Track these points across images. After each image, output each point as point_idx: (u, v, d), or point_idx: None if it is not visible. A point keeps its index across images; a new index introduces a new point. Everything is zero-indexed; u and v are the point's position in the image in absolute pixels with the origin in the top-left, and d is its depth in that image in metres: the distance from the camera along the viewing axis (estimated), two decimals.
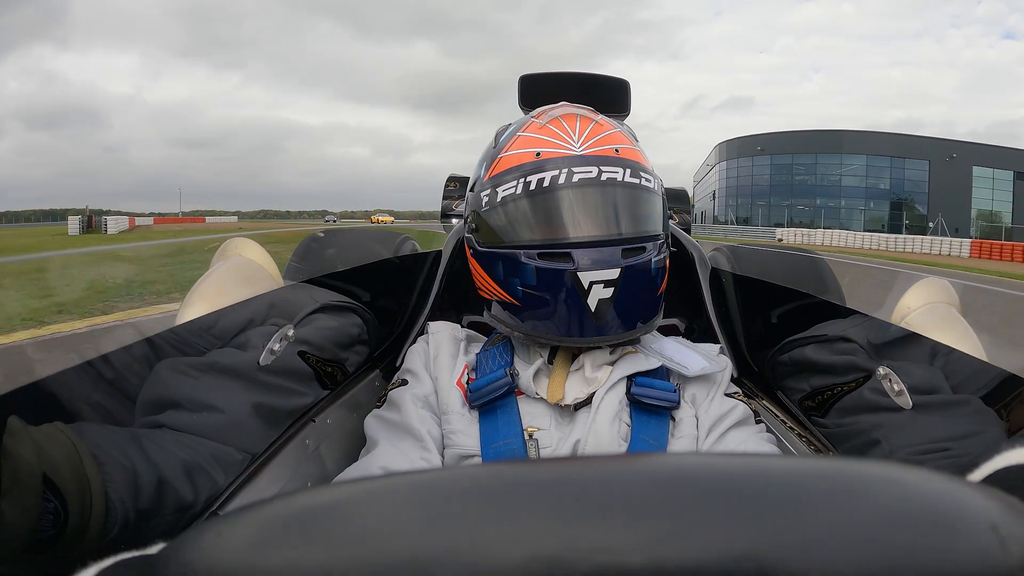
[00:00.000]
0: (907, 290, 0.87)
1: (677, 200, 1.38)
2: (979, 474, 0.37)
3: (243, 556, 0.17)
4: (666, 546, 0.16)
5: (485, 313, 0.85)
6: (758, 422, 0.79)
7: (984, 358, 0.61)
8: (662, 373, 0.80)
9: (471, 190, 0.84)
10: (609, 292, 0.71)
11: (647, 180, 0.75)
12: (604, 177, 0.72)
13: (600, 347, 0.77)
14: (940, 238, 25.83)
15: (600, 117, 0.80)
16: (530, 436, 0.73)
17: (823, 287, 1.08)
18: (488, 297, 0.82)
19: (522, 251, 0.73)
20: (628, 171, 0.73)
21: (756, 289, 0.99)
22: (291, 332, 0.71)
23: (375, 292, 0.98)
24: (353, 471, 0.73)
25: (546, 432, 0.74)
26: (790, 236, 29.20)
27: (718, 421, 0.75)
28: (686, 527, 0.17)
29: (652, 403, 0.74)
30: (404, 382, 0.81)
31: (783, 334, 0.87)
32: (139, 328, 0.53)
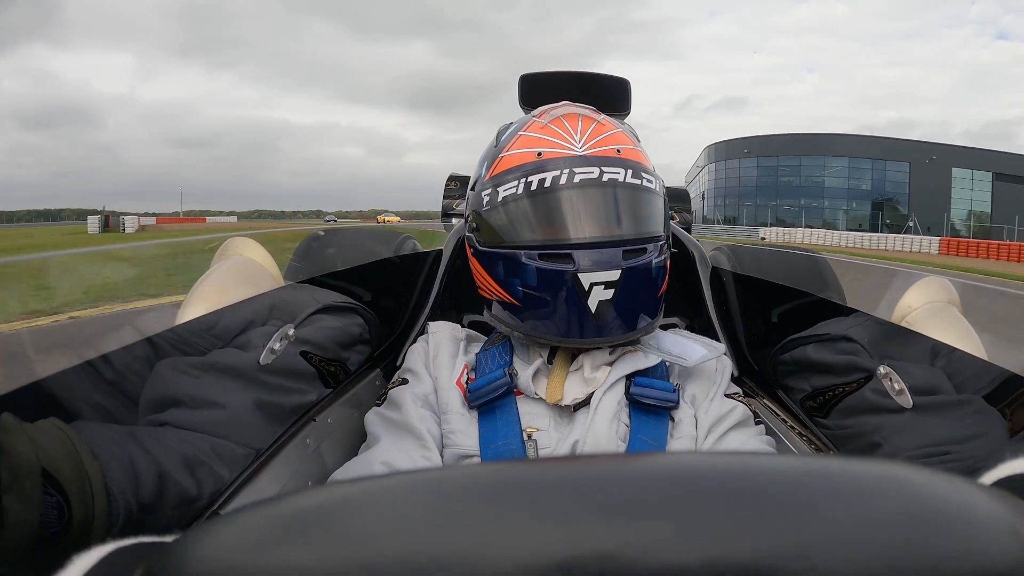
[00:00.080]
0: (907, 289, 0.86)
1: (678, 199, 1.36)
2: (987, 479, 0.37)
3: (243, 556, 0.17)
4: (667, 545, 0.16)
5: (485, 312, 0.85)
6: (758, 423, 0.78)
7: (985, 358, 0.61)
8: (662, 373, 0.79)
9: (472, 189, 0.83)
10: (610, 293, 0.70)
11: (648, 181, 0.75)
12: (606, 178, 0.71)
13: (600, 347, 0.77)
14: (912, 236, 27.15)
15: (602, 117, 0.80)
16: (529, 436, 0.72)
17: (823, 286, 1.06)
18: (488, 297, 0.81)
19: (523, 251, 0.73)
20: (629, 172, 0.73)
21: (757, 288, 0.98)
22: (291, 332, 0.71)
23: (376, 291, 0.98)
24: (354, 466, 0.73)
25: (545, 432, 0.73)
26: (772, 235, 30.33)
27: (718, 422, 0.75)
28: (687, 527, 0.16)
29: (651, 403, 0.73)
30: (404, 381, 0.80)
31: (784, 333, 0.87)
32: (140, 328, 0.56)
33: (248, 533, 0.18)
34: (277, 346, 0.68)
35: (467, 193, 0.87)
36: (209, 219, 53.75)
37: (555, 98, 0.91)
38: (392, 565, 0.16)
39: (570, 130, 0.76)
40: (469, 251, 0.83)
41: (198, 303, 0.75)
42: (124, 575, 0.19)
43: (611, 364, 0.77)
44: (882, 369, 0.65)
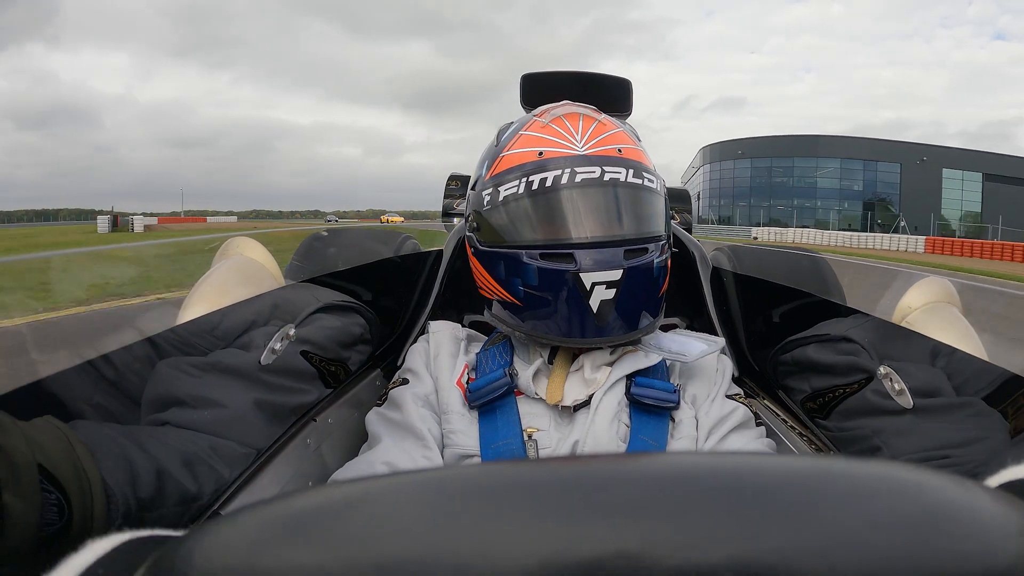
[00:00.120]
0: (908, 289, 0.86)
1: (678, 199, 1.36)
2: (989, 484, 0.35)
3: (244, 556, 0.17)
4: (669, 546, 0.16)
5: (486, 312, 0.84)
6: (758, 424, 0.78)
7: (986, 358, 0.60)
8: (662, 373, 0.78)
9: (472, 188, 0.82)
10: (611, 293, 0.70)
11: (649, 180, 0.74)
12: (607, 177, 0.71)
13: (600, 348, 0.76)
14: (900, 236, 27.91)
15: (603, 116, 0.79)
16: (529, 437, 0.72)
17: (824, 286, 1.06)
18: (489, 296, 0.80)
19: (524, 251, 0.72)
20: (631, 171, 0.72)
21: (757, 288, 0.98)
22: (292, 332, 0.70)
23: (376, 291, 0.97)
24: (356, 466, 0.72)
25: (545, 433, 0.72)
26: (764, 234, 30.90)
27: (718, 423, 0.74)
28: (689, 527, 0.16)
29: (651, 403, 0.73)
30: (405, 381, 0.80)
31: (784, 333, 0.86)
32: (141, 328, 0.55)
33: (249, 533, 0.18)
34: (278, 346, 0.68)
35: (467, 193, 0.86)
36: (210, 219, 53.83)
37: (556, 98, 0.90)
38: (394, 566, 0.16)
39: (571, 129, 0.75)
40: (470, 251, 0.83)
41: (199, 303, 0.75)
42: (125, 572, 0.19)
43: (611, 364, 0.76)
44: (882, 369, 0.65)
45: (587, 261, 0.70)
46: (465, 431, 0.74)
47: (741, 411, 0.76)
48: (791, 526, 0.16)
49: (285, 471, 0.69)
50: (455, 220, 1.36)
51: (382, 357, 1.04)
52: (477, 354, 0.83)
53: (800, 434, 0.83)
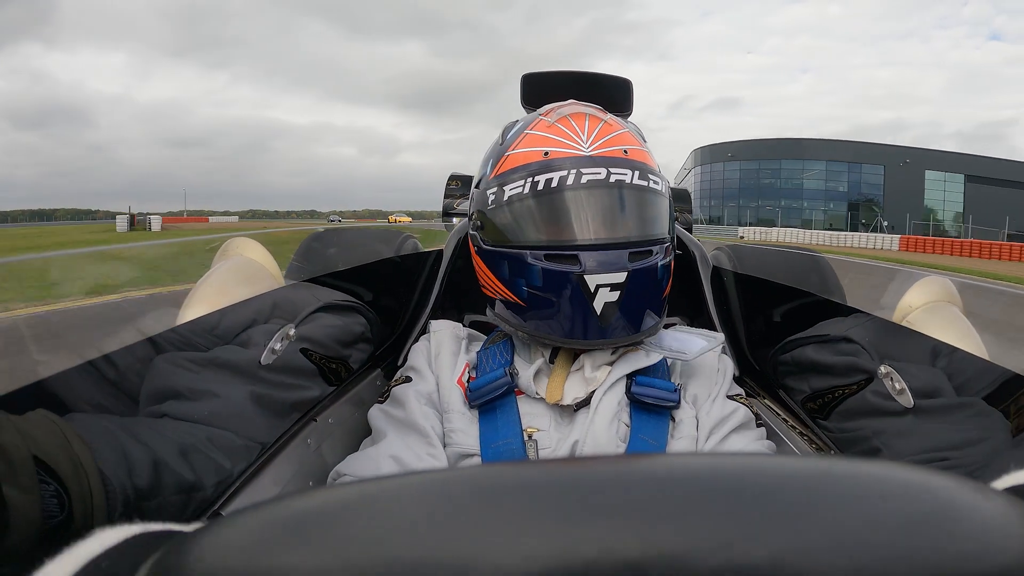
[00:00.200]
0: (910, 288, 0.86)
1: (679, 199, 1.34)
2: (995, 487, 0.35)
3: (244, 558, 0.17)
4: (669, 548, 0.16)
5: (488, 311, 0.83)
6: (759, 425, 0.77)
7: (987, 357, 0.60)
8: (663, 372, 0.77)
9: (476, 187, 0.81)
10: (615, 295, 0.69)
11: (655, 182, 0.73)
12: (613, 179, 0.70)
13: (602, 348, 0.75)
14: (876, 234, 29.04)
15: (609, 117, 0.78)
16: (529, 436, 0.71)
17: (824, 286, 1.05)
18: (492, 295, 0.79)
19: (528, 252, 0.71)
20: (637, 173, 0.71)
21: (757, 288, 0.97)
22: (292, 331, 0.70)
23: (377, 291, 0.96)
24: (360, 459, 0.72)
25: (545, 433, 0.71)
26: (750, 233, 31.94)
27: (719, 424, 0.73)
28: (690, 528, 0.16)
29: (652, 402, 0.72)
30: (408, 379, 0.79)
31: (784, 333, 0.85)
32: (141, 328, 0.55)
33: (249, 535, 0.18)
34: (278, 346, 0.67)
35: (471, 191, 0.85)
36: (212, 219, 53.60)
37: (557, 98, 0.89)
38: (396, 568, 0.16)
39: (577, 130, 0.74)
40: (473, 249, 0.82)
41: (199, 303, 0.74)
42: (129, 568, 0.19)
43: (612, 364, 0.76)
44: (883, 368, 0.64)
45: (592, 263, 0.69)
46: (465, 430, 0.73)
47: (742, 412, 0.75)
48: (793, 527, 0.16)
49: (286, 471, 0.68)
50: (455, 220, 1.35)
51: (383, 357, 1.03)
52: (478, 353, 0.82)
53: (801, 433, 0.82)
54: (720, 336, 0.79)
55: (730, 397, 0.77)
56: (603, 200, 0.71)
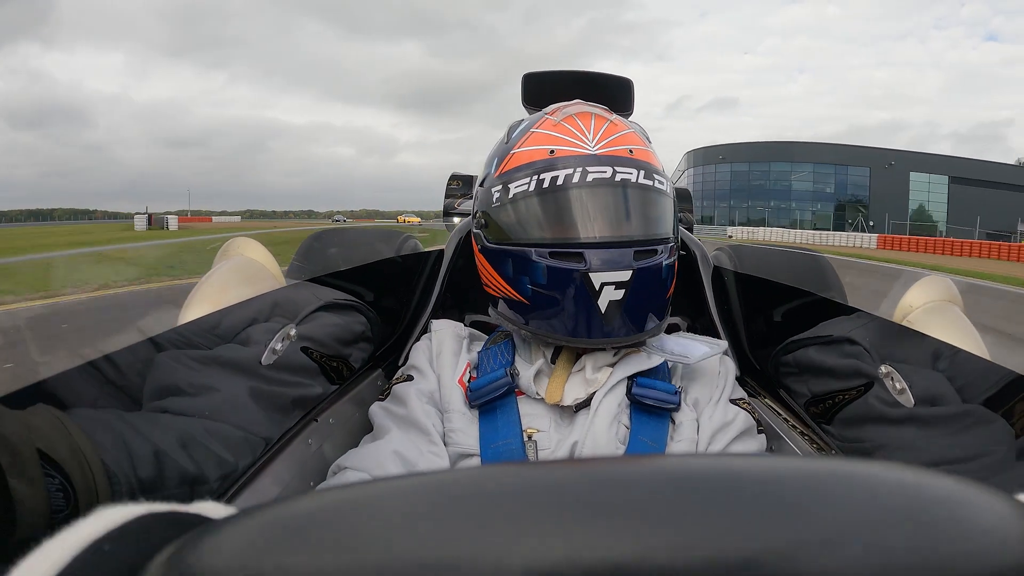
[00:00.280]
0: (910, 288, 0.84)
1: (681, 199, 1.33)
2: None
3: (244, 561, 0.16)
4: (670, 548, 0.16)
5: (491, 310, 0.82)
6: (760, 431, 0.76)
7: (988, 357, 0.59)
8: (664, 373, 0.77)
9: (480, 185, 0.80)
10: (620, 294, 0.68)
11: (660, 182, 0.73)
12: (618, 178, 0.69)
13: (604, 348, 0.74)
14: (856, 233, 30.38)
15: (614, 116, 0.77)
16: (529, 437, 0.70)
17: (825, 286, 1.04)
18: (495, 294, 0.79)
19: (533, 249, 0.70)
20: (642, 172, 0.71)
21: (758, 287, 0.96)
22: (293, 331, 0.69)
23: (378, 291, 0.96)
24: (363, 453, 0.70)
25: (545, 434, 0.70)
26: (738, 233, 33.13)
27: (720, 430, 0.72)
28: (691, 529, 0.16)
29: (652, 404, 0.71)
30: (409, 377, 0.78)
31: (786, 333, 0.85)
32: (142, 328, 0.55)
33: (249, 537, 0.17)
34: (279, 346, 0.66)
35: (475, 190, 0.84)
36: (215, 219, 53.20)
37: (558, 97, 0.88)
38: (397, 570, 0.15)
39: (583, 128, 0.73)
40: (476, 248, 0.81)
41: (200, 303, 0.73)
42: (133, 552, 0.18)
43: (613, 365, 0.75)
44: (884, 368, 0.63)
45: (597, 261, 0.68)
46: (465, 430, 0.72)
47: (743, 417, 0.75)
48: (794, 528, 0.16)
49: (286, 472, 0.67)
50: (455, 219, 1.33)
51: (383, 357, 1.02)
52: (479, 353, 0.81)
53: (802, 433, 0.81)
54: (723, 344, 0.78)
55: (732, 401, 0.76)
56: (608, 198, 0.70)
